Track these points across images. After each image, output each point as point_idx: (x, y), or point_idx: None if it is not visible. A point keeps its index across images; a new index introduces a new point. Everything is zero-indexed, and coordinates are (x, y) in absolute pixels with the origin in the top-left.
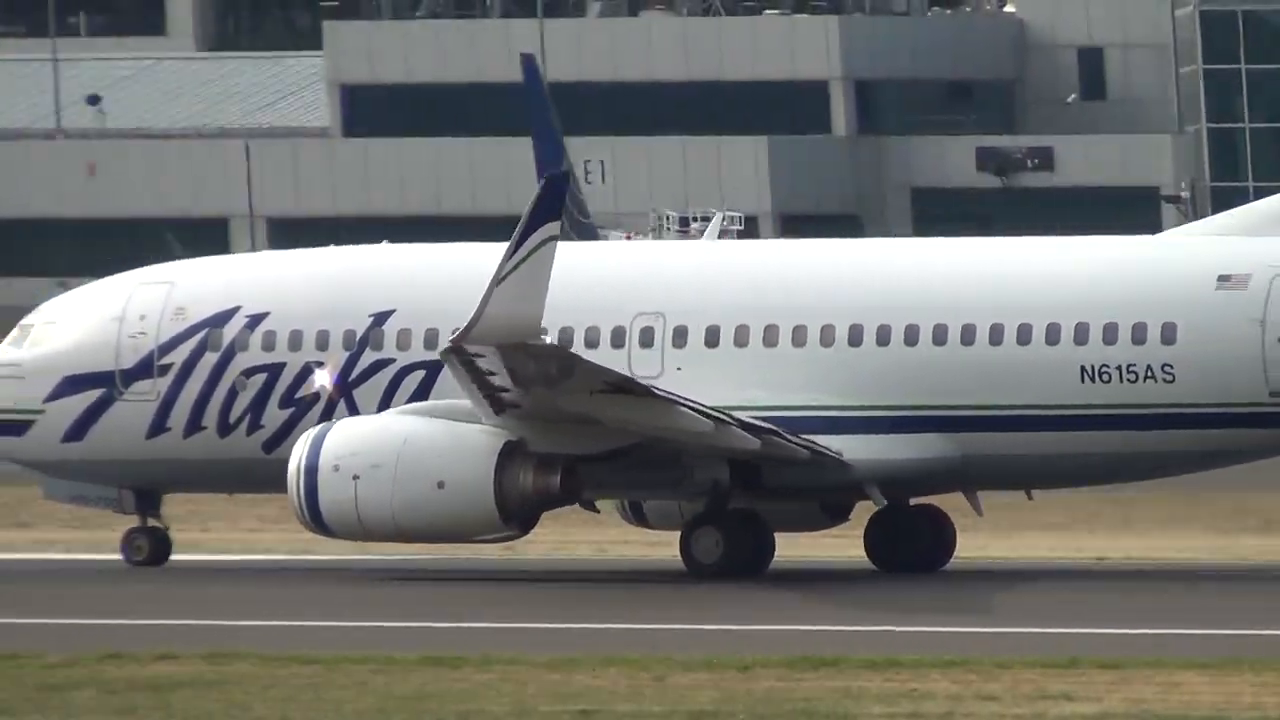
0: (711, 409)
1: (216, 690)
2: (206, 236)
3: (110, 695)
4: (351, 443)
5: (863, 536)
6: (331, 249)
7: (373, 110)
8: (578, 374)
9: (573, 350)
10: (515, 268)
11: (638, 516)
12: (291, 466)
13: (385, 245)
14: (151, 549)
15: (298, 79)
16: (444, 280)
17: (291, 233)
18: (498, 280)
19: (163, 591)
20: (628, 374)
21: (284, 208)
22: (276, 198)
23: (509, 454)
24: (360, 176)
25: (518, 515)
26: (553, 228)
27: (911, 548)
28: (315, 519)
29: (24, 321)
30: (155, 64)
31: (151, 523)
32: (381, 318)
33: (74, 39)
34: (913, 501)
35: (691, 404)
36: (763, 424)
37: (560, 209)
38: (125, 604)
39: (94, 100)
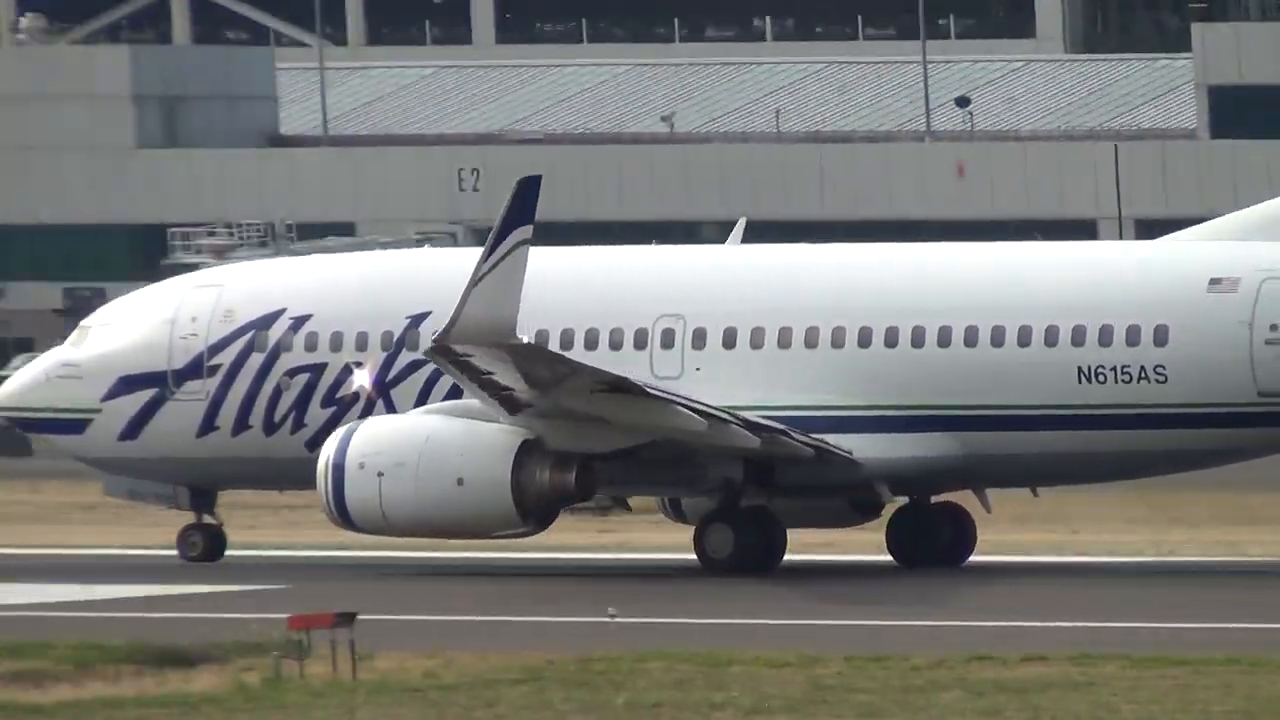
0: (711, 408)
1: (1083, 692)
2: (1073, 238)
3: (976, 697)
4: (376, 441)
5: (885, 533)
6: (373, 253)
7: (1241, 112)
8: (572, 373)
9: (557, 351)
10: (490, 270)
11: (677, 513)
12: (320, 463)
13: (424, 249)
14: (206, 546)
15: (1167, 80)
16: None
17: (1157, 234)
18: (474, 282)
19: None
20: (624, 374)
21: (1152, 209)
22: (1144, 199)
23: (526, 452)
24: (1229, 179)
25: (535, 512)
26: (525, 231)
27: (932, 544)
28: (342, 514)
29: (83, 323)
30: (1023, 66)
31: (206, 519)
32: (417, 320)
33: (943, 41)
34: (934, 499)
35: (687, 402)
36: (769, 423)
37: (532, 213)
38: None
39: (963, 102)
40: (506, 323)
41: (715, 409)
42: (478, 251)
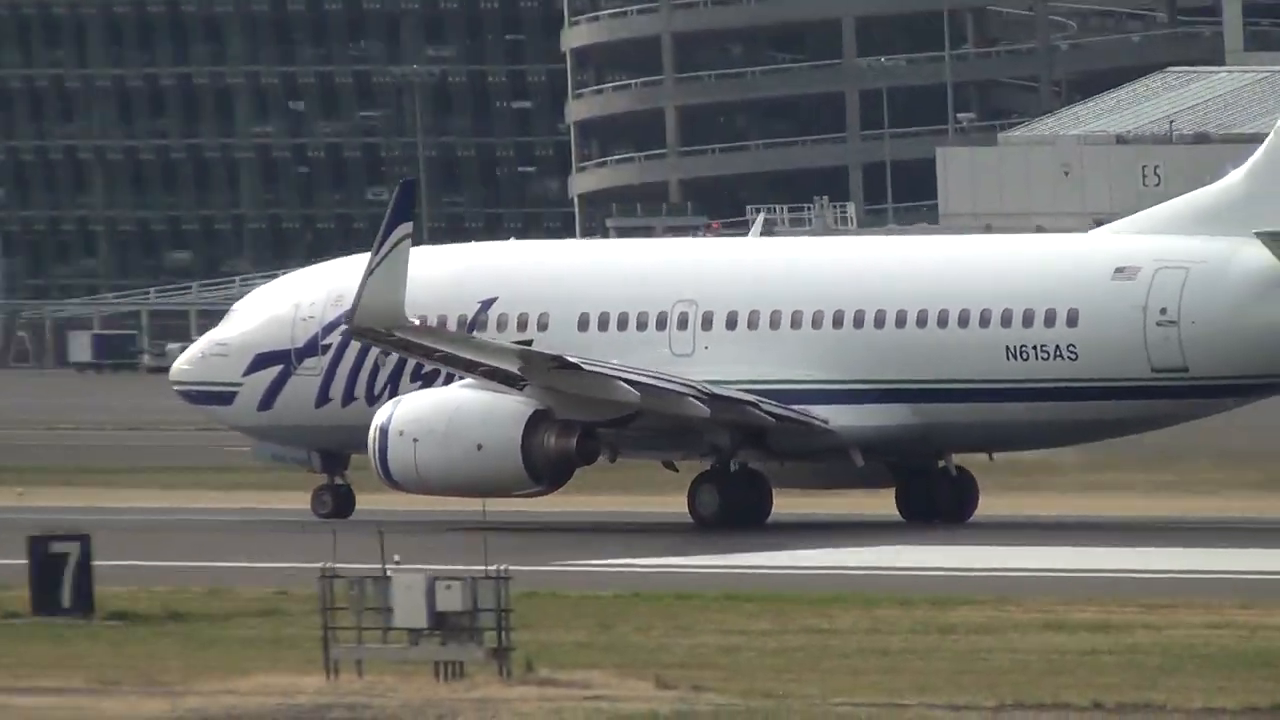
0: (666, 380)
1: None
2: None
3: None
4: (414, 411)
5: (894, 494)
6: (457, 246)
7: None
8: (474, 349)
9: (453, 330)
10: (380, 263)
11: (808, 477)
12: (371, 430)
13: (508, 242)
14: (335, 504)
15: None
16: (539, 273)
17: None
18: (367, 274)
19: None
20: (556, 352)
21: None
22: None
23: (536, 420)
24: None
25: (545, 474)
26: (406, 228)
27: (936, 504)
28: (386, 474)
29: (233, 306)
30: None
31: (337, 480)
32: (486, 304)
33: None
34: (941, 463)
35: (625, 375)
36: (740, 395)
37: (410, 212)
38: None
39: None
40: (397, 307)
41: (670, 382)
42: (539, 244)
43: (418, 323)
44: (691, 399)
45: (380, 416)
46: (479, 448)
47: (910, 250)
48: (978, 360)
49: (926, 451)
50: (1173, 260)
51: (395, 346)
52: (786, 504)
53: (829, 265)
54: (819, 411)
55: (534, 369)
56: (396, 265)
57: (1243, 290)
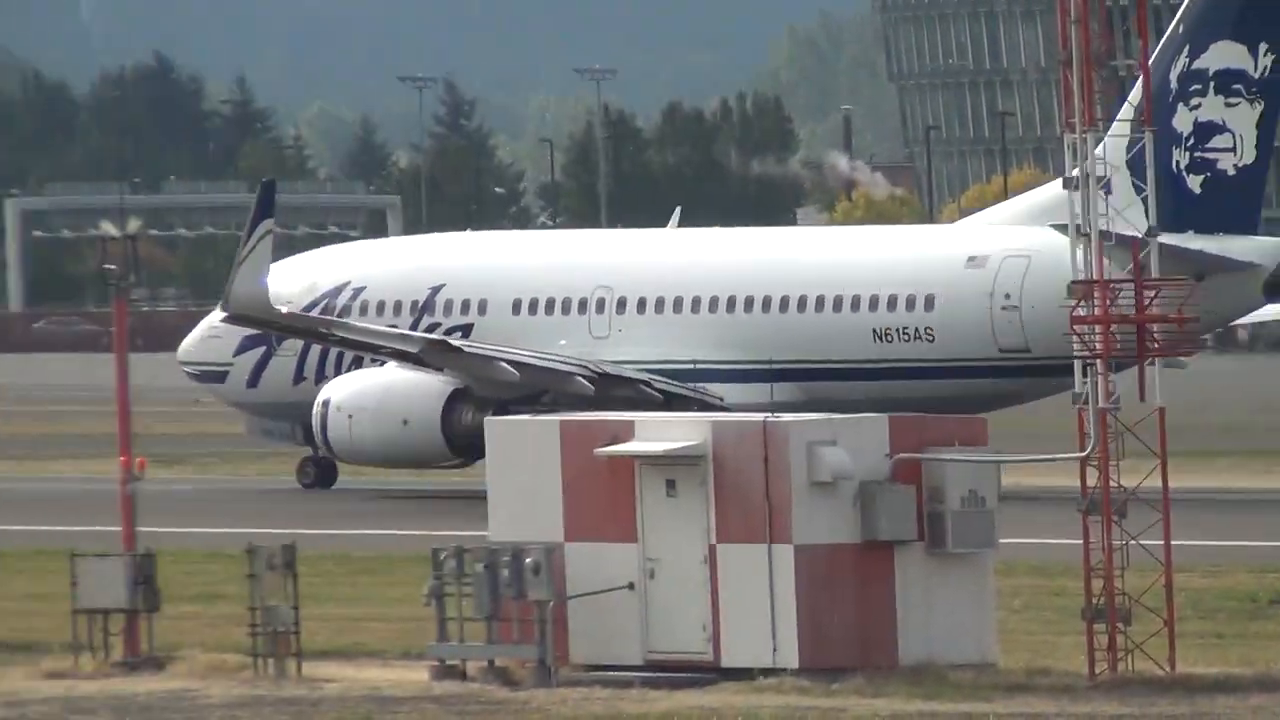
0: (555, 360)
1: None
2: None
3: None
4: (351, 389)
5: None
6: (412, 238)
7: None
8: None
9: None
10: (247, 256)
11: None
12: (316, 405)
13: (461, 233)
14: (318, 475)
15: None
16: (491, 258)
17: None
18: (236, 266)
19: None
20: (441, 337)
21: None
22: None
23: (455, 398)
24: None
25: (464, 448)
26: (269, 224)
27: None
28: (327, 446)
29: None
30: None
31: (322, 453)
32: (436, 290)
33: None
34: None
35: (505, 356)
36: (631, 374)
37: (272, 209)
38: None
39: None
40: (263, 295)
41: (554, 361)
42: (483, 235)
43: (285, 310)
44: (579, 378)
45: (324, 393)
46: (405, 423)
47: (793, 241)
48: (849, 342)
49: None
50: (1017, 250)
51: (276, 330)
52: None
53: (725, 255)
54: (716, 389)
55: (430, 351)
56: (260, 257)
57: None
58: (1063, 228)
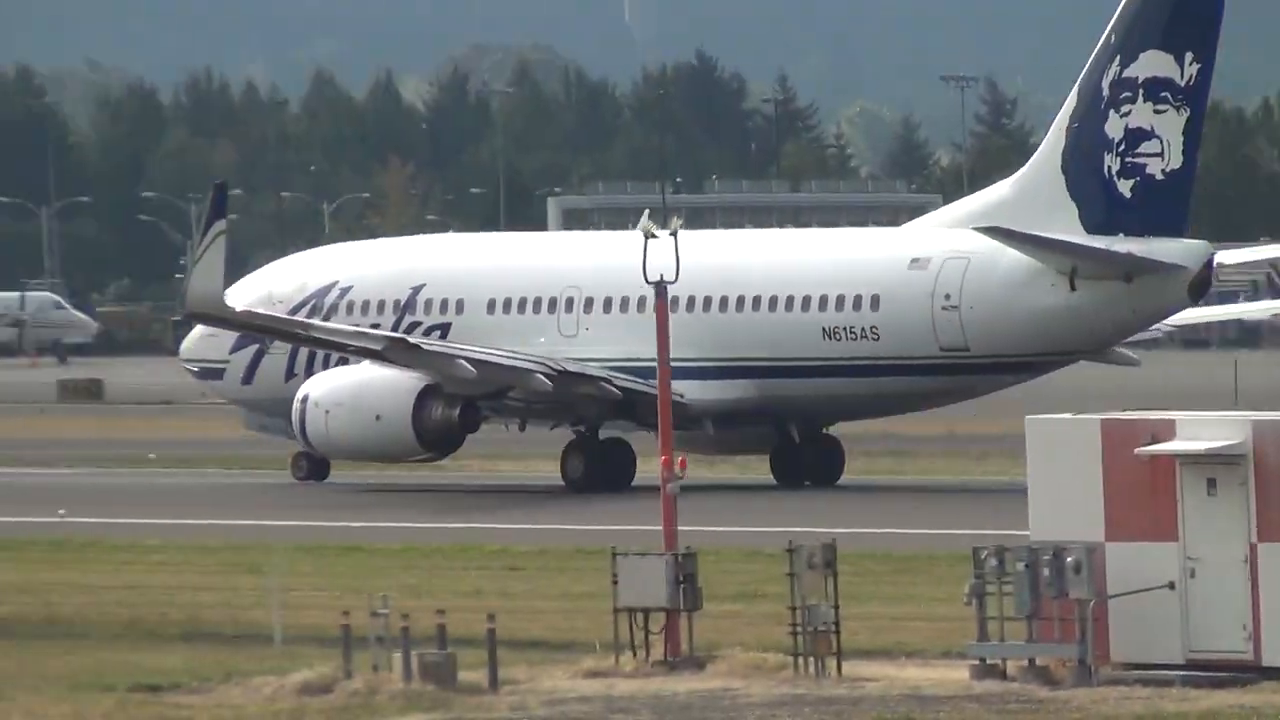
0: (507, 357)
1: None
2: None
3: None
4: (328, 385)
5: (769, 461)
6: (396, 239)
7: None
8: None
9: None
10: (201, 256)
11: (702, 445)
12: (295, 401)
13: (443, 235)
14: (310, 469)
15: None
16: (468, 260)
17: None
18: (191, 266)
19: None
20: (400, 335)
21: None
22: None
23: (425, 394)
24: None
25: (433, 442)
26: (221, 225)
27: (805, 470)
28: (305, 439)
29: (225, 291)
30: None
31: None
32: (417, 289)
33: None
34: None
35: (464, 354)
36: (591, 372)
37: (224, 212)
38: None
39: None
40: (217, 294)
41: (513, 359)
42: (465, 237)
43: (239, 308)
44: (538, 375)
45: (303, 389)
46: (378, 418)
47: (749, 243)
48: (801, 340)
49: (763, 421)
50: (957, 252)
51: (235, 328)
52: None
53: (685, 256)
54: (676, 386)
55: (392, 348)
56: (214, 257)
57: (1011, 279)
58: (985, 230)
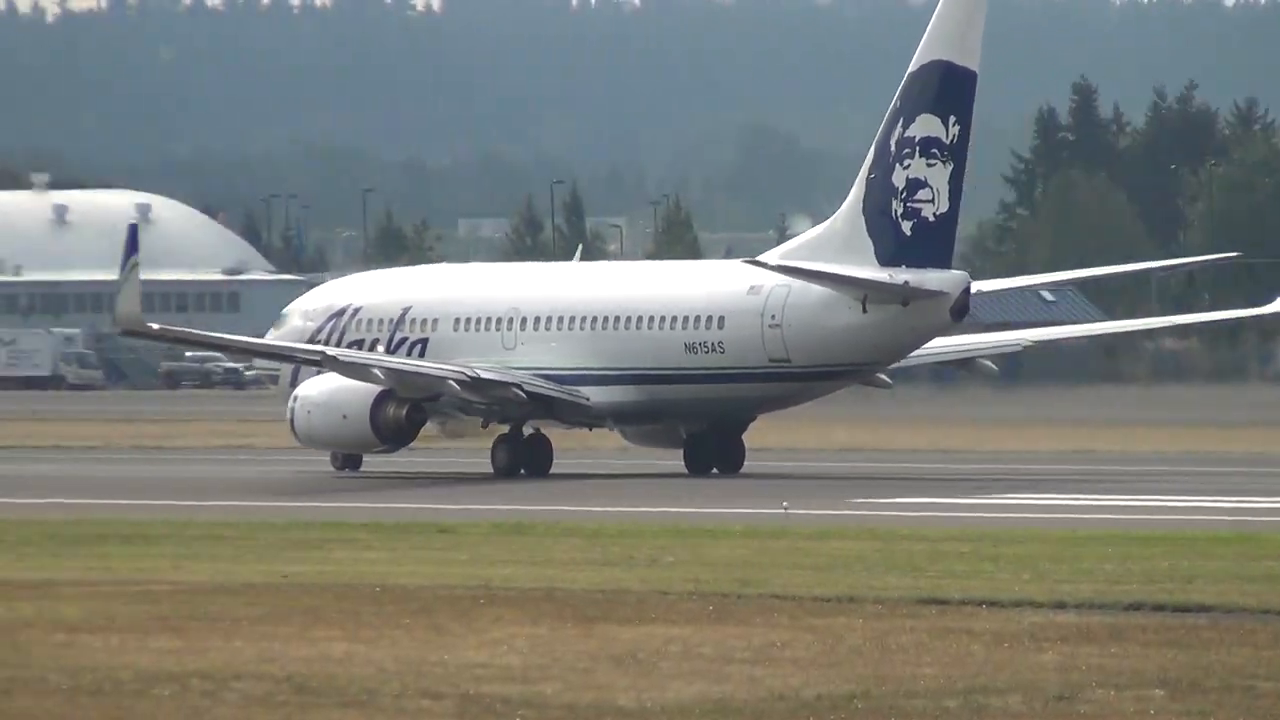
0: (420, 366)
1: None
2: None
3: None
4: (311, 389)
5: (683, 454)
6: (395, 270)
7: None
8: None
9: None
10: (124, 282)
11: (636, 440)
12: (289, 401)
13: (430, 266)
14: (344, 460)
15: None
16: (443, 287)
17: None
18: (118, 290)
19: None
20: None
21: None
22: None
23: (381, 398)
24: None
25: (388, 436)
26: (136, 257)
27: (712, 461)
28: (294, 434)
29: (283, 310)
30: None
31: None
32: (405, 310)
33: None
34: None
35: (383, 365)
36: (503, 378)
37: (137, 247)
38: None
39: None
40: (136, 314)
41: (426, 367)
42: (445, 266)
43: (156, 327)
44: (450, 381)
45: (297, 391)
46: (344, 417)
47: (636, 273)
48: (670, 353)
49: (653, 421)
50: (782, 281)
51: (161, 341)
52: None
53: (591, 284)
54: (585, 390)
55: (327, 359)
56: (133, 285)
57: (821, 302)
58: (751, 262)
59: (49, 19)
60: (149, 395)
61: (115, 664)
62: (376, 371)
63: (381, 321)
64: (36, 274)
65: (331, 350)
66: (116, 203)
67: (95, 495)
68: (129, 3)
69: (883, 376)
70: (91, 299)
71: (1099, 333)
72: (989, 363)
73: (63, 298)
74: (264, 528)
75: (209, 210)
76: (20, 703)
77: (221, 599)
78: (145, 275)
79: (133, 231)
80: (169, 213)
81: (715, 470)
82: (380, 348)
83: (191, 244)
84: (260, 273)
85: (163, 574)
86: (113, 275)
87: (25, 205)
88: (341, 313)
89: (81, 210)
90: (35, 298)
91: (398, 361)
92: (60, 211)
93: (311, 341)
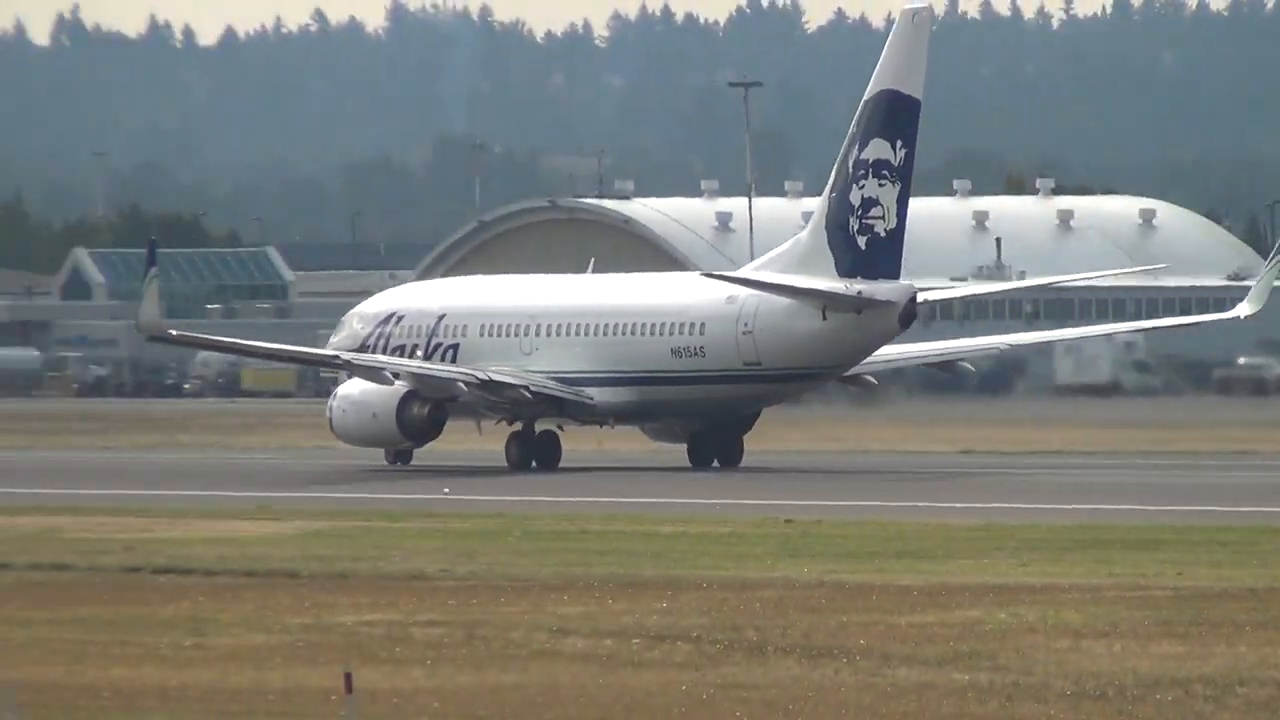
0: (431, 369)
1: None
2: None
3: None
4: (347, 390)
5: (686, 449)
6: (435, 281)
7: None
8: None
9: (202, 335)
10: (145, 295)
11: (652, 435)
12: (329, 401)
13: (464, 279)
14: (397, 454)
15: None
16: (473, 297)
17: None
18: (142, 297)
19: None
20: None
21: None
22: None
23: (406, 398)
24: None
25: (411, 433)
26: (155, 270)
27: (713, 456)
28: (333, 431)
29: (343, 318)
30: None
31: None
32: (440, 317)
33: None
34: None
35: (393, 368)
36: (511, 380)
37: (155, 261)
38: None
39: None
40: (156, 321)
41: (436, 370)
42: (476, 279)
43: (175, 332)
44: (459, 383)
45: (336, 390)
46: (374, 415)
47: (633, 286)
48: (661, 357)
49: (647, 420)
50: (754, 292)
51: (186, 346)
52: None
53: (594, 295)
54: (589, 391)
55: (347, 363)
56: (153, 295)
57: (787, 311)
58: (709, 275)
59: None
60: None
61: (1117, 669)
62: (387, 374)
63: (420, 328)
64: (1039, 278)
65: (346, 355)
66: (1119, 208)
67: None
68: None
69: (868, 377)
70: (1097, 304)
71: (1074, 337)
72: (968, 365)
73: (1067, 303)
74: (1266, 532)
75: (1212, 215)
76: (1023, 709)
77: (1225, 604)
78: (1154, 282)
79: (151, 246)
80: (1172, 218)
81: (716, 464)
82: (419, 352)
83: (1194, 249)
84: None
85: (1164, 579)
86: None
87: (1030, 211)
88: (388, 319)
89: (1085, 216)
90: (1039, 303)
91: (407, 364)
92: (1065, 217)
93: (362, 345)
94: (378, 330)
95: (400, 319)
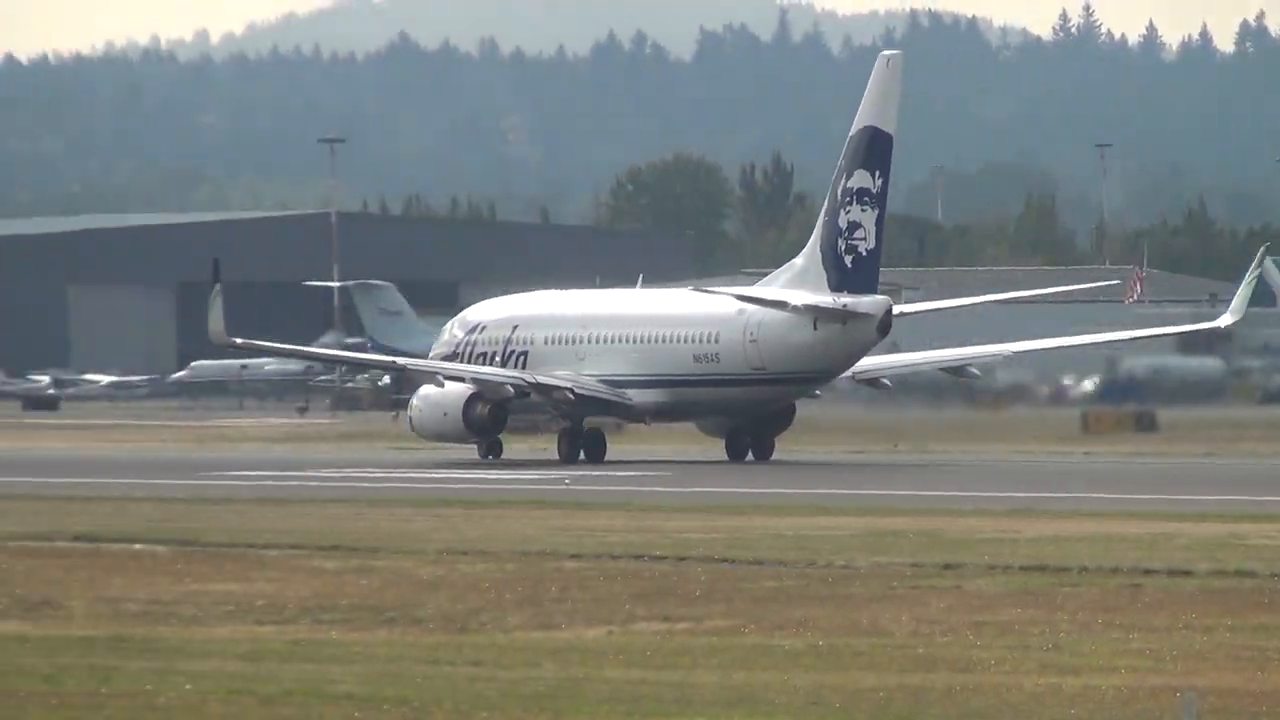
0: (483, 373)
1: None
2: None
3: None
4: (423, 393)
5: (724, 444)
6: (510, 296)
7: None
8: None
9: (267, 343)
10: (212, 305)
11: (703, 430)
12: (411, 399)
13: (536, 292)
14: (488, 449)
15: None
16: (540, 308)
17: None
18: (209, 311)
19: None
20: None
21: None
22: None
23: (471, 399)
24: None
25: (476, 430)
26: (218, 288)
27: (748, 450)
28: (411, 427)
29: (443, 328)
30: None
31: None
32: (514, 327)
33: None
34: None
35: (445, 371)
36: (558, 382)
37: (218, 278)
38: None
39: None
40: (222, 331)
41: (486, 374)
42: (549, 293)
43: (239, 341)
44: (506, 385)
45: (416, 393)
46: (444, 414)
47: (663, 299)
48: (684, 362)
49: (677, 419)
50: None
51: (252, 353)
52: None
53: (633, 308)
54: (629, 392)
55: (402, 369)
56: (218, 309)
57: (785, 322)
58: (698, 289)
59: None
60: None
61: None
62: (440, 377)
63: (498, 338)
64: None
65: (402, 360)
66: None
67: None
68: None
69: (885, 381)
70: None
71: (1073, 345)
72: (975, 370)
73: None
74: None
75: None
76: None
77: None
78: None
79: (216, 265)
80: None
81: (750, 458)
82: (498, 358)
83: None
84: None
85: None
86: None
87: None
88: (474, 329)
89: None
90: None
91: (458, 368)
92: None
93: (455, 351)
94: (466, 338)
95: (484, 329)
